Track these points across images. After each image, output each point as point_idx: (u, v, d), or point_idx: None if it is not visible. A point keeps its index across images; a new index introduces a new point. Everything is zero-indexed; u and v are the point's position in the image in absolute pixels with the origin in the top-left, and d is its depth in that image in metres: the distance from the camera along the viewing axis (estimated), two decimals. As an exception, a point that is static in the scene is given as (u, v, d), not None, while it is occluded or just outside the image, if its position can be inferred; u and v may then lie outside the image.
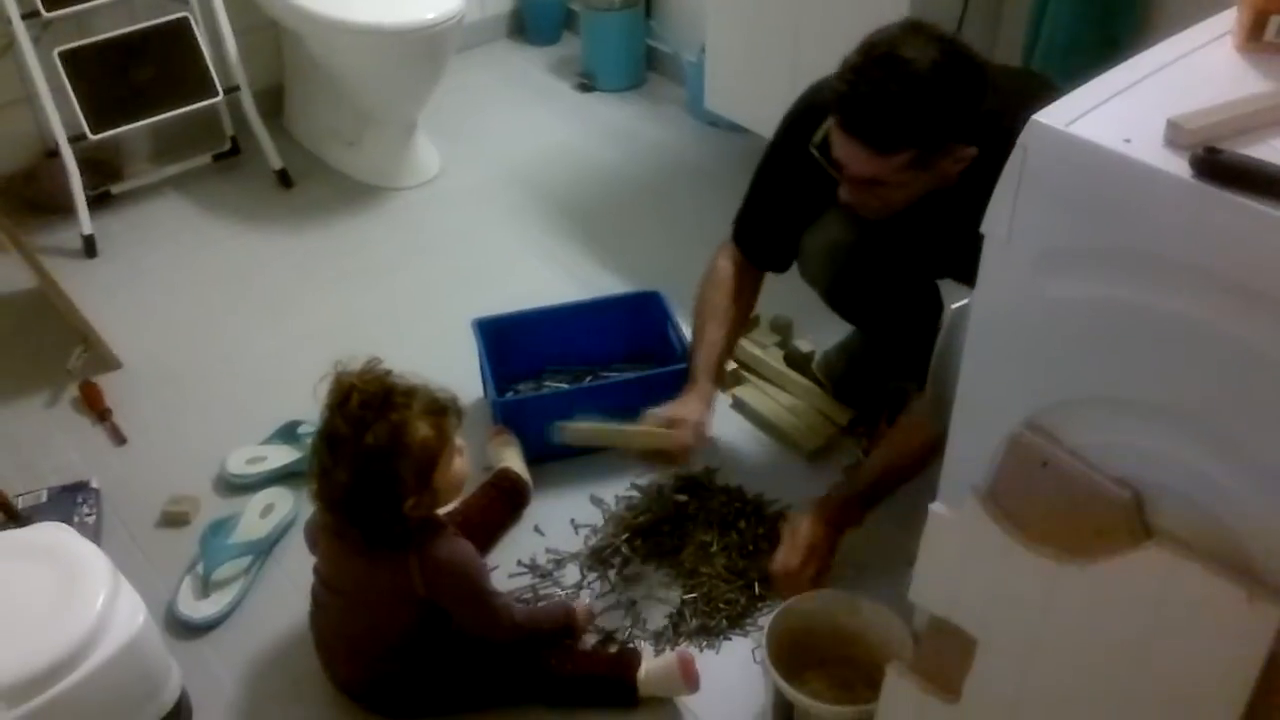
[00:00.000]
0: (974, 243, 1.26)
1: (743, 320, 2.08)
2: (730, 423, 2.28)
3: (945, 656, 1.40)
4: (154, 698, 1.30)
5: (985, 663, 1.35)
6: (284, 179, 3.01)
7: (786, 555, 1.85)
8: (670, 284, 2.35)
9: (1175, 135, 1.07)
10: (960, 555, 1.34)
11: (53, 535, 1.36)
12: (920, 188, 1.73)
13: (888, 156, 1.65)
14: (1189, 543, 1.17)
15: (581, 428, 1.92)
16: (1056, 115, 1.13)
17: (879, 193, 1.73)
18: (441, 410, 1.59)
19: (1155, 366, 1.14)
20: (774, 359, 2.36)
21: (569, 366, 2.34)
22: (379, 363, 1.61)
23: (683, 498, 2.07)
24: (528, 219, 2.92)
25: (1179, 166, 1.04)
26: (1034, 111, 1.16)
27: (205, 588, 1.91)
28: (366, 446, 1.51)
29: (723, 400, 2.32)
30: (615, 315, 2.33)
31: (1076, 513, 1.25)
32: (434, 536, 1.63)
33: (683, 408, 1.91)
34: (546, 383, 2.31)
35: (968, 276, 1.32)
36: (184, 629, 1.89)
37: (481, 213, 2.95)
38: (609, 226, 2.88)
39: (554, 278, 2.68)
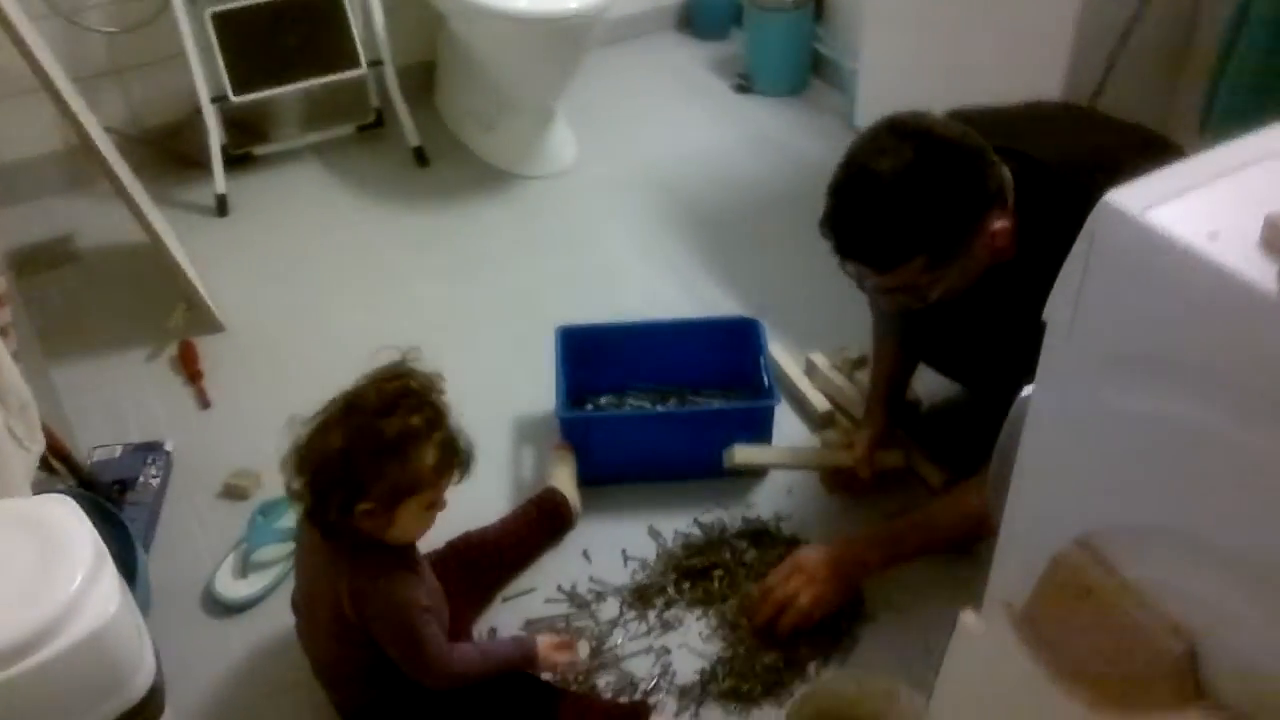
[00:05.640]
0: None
1: (902, 354, 2.05)
2: (813, 468, 2.13)
3: (961, 784, 1.24)
4: (118, 691, 1.26)
5: (1001, 803, 1.19)
6: (419, 156, 2.99)
7: (772, 573, 1.80)
8: (792, 313, 2.20)
9: (1273, 235, 0.88)
10: (983, 676, 1.18)
11: (49, 508, 1.33)
12: (962, 274, 1.63)
13: (895, 271, 1.59)
14: (1246, 714, 0.98)
15: (750, 451, 1.99)
16: (1133, 198, 0.94)
17: (916, 293, 1.65)
18: (454, 453, 1.51)
19: (1228, 505, 0.95)
20: (873, 404, 2.19)
21: (657, 386, 2.22)
22: (441, 379, 1.58)
23: (743, 544, 1.94)
24: (655, 222, 2.80)
25: (1268, 274, 0.86)
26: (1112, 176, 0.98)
27: (245, 568, 1.90)
28: (374, 427, 1.46)
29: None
30: (709, 339, 2.20)
31: (1119, 655, 1.06)
32: (375, 561, 1.51)
33: (853, 434, 2.03)
34: (629, 401, 2.20)
35: None
36: (216, 606, 1.88)
37: (608, 211, 2.85)
38: (740, 242, 2.71)
39: (668, 290, 2.55)
